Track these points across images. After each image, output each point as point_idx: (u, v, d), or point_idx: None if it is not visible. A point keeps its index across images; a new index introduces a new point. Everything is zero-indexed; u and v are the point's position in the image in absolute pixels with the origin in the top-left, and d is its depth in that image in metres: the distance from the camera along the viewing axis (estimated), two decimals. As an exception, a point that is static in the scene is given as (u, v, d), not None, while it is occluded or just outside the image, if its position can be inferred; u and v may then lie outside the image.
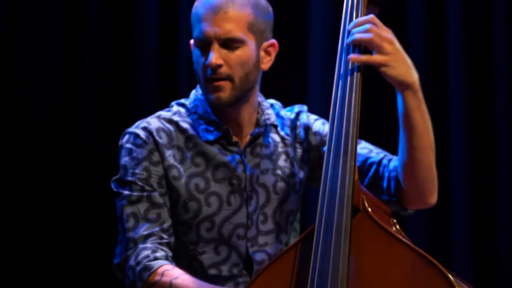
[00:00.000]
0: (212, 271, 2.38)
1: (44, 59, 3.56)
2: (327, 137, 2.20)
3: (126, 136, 2.41)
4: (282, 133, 2.49)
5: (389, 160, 2.41)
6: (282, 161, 2.46)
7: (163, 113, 2.45)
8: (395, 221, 2.27)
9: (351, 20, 2.26)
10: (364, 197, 2.17)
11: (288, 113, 2.54)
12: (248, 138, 2.44)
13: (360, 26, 2.22)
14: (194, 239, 2.39)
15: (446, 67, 3.62)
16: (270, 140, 2.47)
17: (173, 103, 2.50)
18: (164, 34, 3.64)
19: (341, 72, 2.23)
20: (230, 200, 2.40)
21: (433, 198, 2.35)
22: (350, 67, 2.22)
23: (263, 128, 2.45)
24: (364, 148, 2.46)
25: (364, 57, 2.21)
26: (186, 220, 2.38)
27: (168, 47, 3.63)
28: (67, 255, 3.55)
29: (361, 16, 2.26)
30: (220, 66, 2.33)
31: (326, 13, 3.61)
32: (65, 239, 3.56)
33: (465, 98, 3.58)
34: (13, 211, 3.51)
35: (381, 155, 2.44)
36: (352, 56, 2.21)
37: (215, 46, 2.33)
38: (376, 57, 2.20)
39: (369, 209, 2.15)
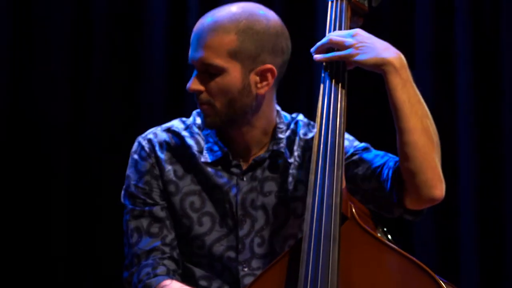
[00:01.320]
0: (203, 283, 2.39)
1: (51, 65, 3.59)
2: (314, 147, 2.21)
3: (136, 145, 2.44)
4: (295, 153, 2.42)
5: (395, 162, 2.31)
6: (287, 184, 2.41)
7: (176, 125, 2.45)
8: (385, 229, 2.27)
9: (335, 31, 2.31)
10: (352, 205, 2.19)
11: (309, 132, 2.44)
12: (251, 161, 2.40)
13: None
14: (188, 252, 2.41)
15: (454, 68, 3.62)
16: (279, 162, 2.42)
17: (194, 112, 2.48)
18: (172, 39, 3.64)
19: (326, 84, 2.26)
20: (222, 223, 2.40)
21: (437, 191, 2.23)
22: (334, 79, 2.25)
23: (269, 154, 2.40)
24: (371, 154, 2.40)
25: (329, 55, 2.25)
26: (180, 234, 2.40)
27: (176, 51, 3.64)
28: (74, 257, 3.59)
29: (344, 28, 2.30)
30: (199, 92, 2.32)
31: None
32: (73, 242, 3.58)
33: (473, 99, 3.57)
34: (20, 214, 3.55)
35: (386, 158, 2.36)
36: (316, 56, 2.26)
37: (195, 71, 2.33)
38: (341, 52, 2.24)
39: (357, 217, 2.17)
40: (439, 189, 2.24)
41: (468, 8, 3.60)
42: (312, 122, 2.48)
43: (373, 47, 2.22)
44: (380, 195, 2.34)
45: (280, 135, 2.41)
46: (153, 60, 3.64)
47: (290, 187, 2.41)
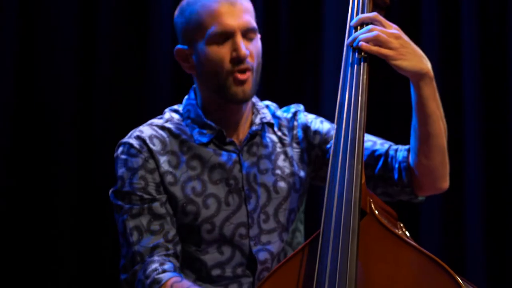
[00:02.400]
0: (216, 272, 2.39)
1: (56, 60, 3.57)
2: (333, 140, 2.20)
3: (121, 147, 2.42)
4: (279, 133, 2.50)
5: (396, 150, 2.43)
6: (281, 161, 2.47)
7: (155, 121, 2.45)
8: (401, 225, 2.28)
9: (356, 25, 2.28)
10: (371, 200, 2.17)
11: (284, 114, 2.55)
12: (244, 137, 2.44)
13: (364, 24, 2.24)
14: (197, 241, 2.39)
15: (460, 68, 3.62)
16: (267, 140, 2.47)
17: (166, 110, 2.50)
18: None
19: (347, 75, 2.24)
20: (228, 201, 2.40)
21: (446, 183, 2.40)
22: (356, 69, 2.23)
23: (260, 127, 2.45)
24: (368, 140, 2.48)
25: (375, 48, 2.21)
26: (187, 223, 2.39)
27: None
28: (81, 253, 3.56)
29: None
30: (247, 55, 2.34)
31: (340, 17, 3.61)
32: (80, 239, 3.56)
33: (479, 98, 3.58)
34: (26, 210, 3.52)
35: (386, 146, 2.46)
36: (363, 43, 2.21)
37: (239, 37, 2.34)
38: (385, 50, 2.21)
39: (376, 212, 2.16)
40: (447, 181, 2.41)
41: (475, 8, 3.59)
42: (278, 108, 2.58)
43: (413, 54, 2.23)
44: (386, 182, 2.44)
45: (263, 110, 2.48)
46: (159, 53, 3.61)
47: (285, 163, 2.47)
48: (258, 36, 2.40)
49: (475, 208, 3.55)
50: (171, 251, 2.34)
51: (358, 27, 2.27)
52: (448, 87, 3.56)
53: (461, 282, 2.06)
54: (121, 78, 3.61)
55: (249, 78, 2.35)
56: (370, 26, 2.23)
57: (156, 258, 2.32)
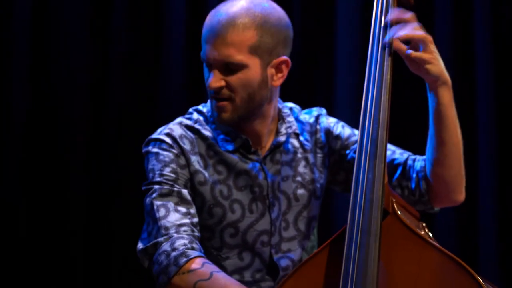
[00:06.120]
0: (235, 276, 2.38)
1: (69, 63, 3.56)
2: (358, 140, 2.21)
3: (151, 144, 2.41)
4: (301, 138, 2.50)
5: (414, 160, 2.45)
6: (301, 168, 2.47)
7: (185, 121, 2.45)
8: (424, 224, 2.28)
9: (380, 24, 2.28)
10: (393, 200, 2.18)
11: (307, 117, 2.54)
12: (268, 147, 2.45)
13: (404, 20, 2.24)
14: (218, 245, 2.40)
15: (473, 69, 3.62)
16: (290, 146, 2.47)
17: (191, 109, 2.50)
18: (192, 31, 3.59)
19: (371, 76, 2.25)
20: (252, 208, 2.41)
21: (462, 195, 2.40)
22: (380, 68, 2.24)
23: (285, 137, 2.45)
24: (388, 149, 2.43)
25: (417, 53, 2.22)
26: (210, 225, 2.39)
27: (195, 42, 3.60)
28: (92, 258, 3.57)
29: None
30: (220, 88, 2.33)
31: (353, 19, 3.61)
32: (91, 240, 3.56)
33: (492, 97, 3.58)
34: (39, 208, 3.52)
35: (405, 156, 2.47)
36: (407, 51, 2.22)
37: (214, 69, 2.33)
38: (424, 55, 2.23)
39: (399, 212, 2.17)
40: (462, 193, 2.42)
41: (487, 9, 3.59)
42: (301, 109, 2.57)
43: (440, 61, 2.25)
44: (403, 191, 2.45)
45: (289, 119, 2.48)
46: (173, 54, 3.60)
47: (306, 170, 2.48)
48: (250, 67, 2.33)
49: (489, 211, 3.55)
50: (196, 234, 2.32)
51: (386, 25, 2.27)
52: (461, 88, 3.55)
53: (483, 283, 2.06)
54: (133, 79, 3.60)
55: (226, 106, 2.35)
56: (415, 24, 2.23)
57: (184, 235, 2.29)
